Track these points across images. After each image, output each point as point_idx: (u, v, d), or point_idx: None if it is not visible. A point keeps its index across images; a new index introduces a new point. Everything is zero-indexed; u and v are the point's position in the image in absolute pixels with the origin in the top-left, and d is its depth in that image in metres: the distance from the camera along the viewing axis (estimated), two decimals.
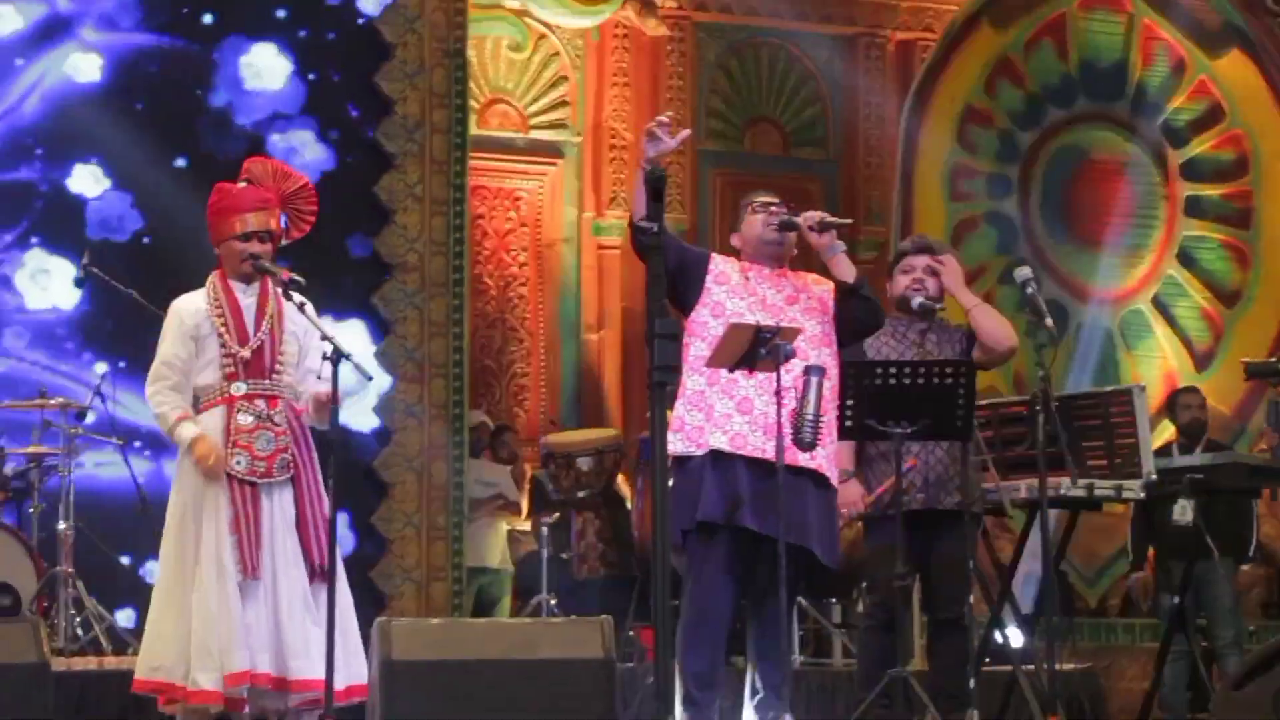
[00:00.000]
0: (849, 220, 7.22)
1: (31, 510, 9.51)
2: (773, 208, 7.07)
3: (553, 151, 13.42)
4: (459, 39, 11.12)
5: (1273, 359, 9.47)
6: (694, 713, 6.74)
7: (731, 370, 6.76)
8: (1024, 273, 7.68)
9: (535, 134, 13.36)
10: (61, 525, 9.29)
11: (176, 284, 6.95)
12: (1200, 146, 14.02)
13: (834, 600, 10.47)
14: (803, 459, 6.77)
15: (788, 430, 6.64)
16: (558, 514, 10.79)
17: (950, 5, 13.88)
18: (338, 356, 6.33)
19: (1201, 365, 13.74)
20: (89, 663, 8.54)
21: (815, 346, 6.88)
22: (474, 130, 11.80)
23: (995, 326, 7.61)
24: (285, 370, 6.69)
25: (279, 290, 6.70)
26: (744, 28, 13.91)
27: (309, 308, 6.64)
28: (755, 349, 6.63)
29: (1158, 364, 13.71)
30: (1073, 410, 8.26)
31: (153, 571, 6.76)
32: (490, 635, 7.02)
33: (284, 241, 6.84)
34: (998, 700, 8.51)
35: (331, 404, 6.38)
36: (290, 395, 6.70)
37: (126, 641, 8.97)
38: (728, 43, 13.89)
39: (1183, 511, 8.84)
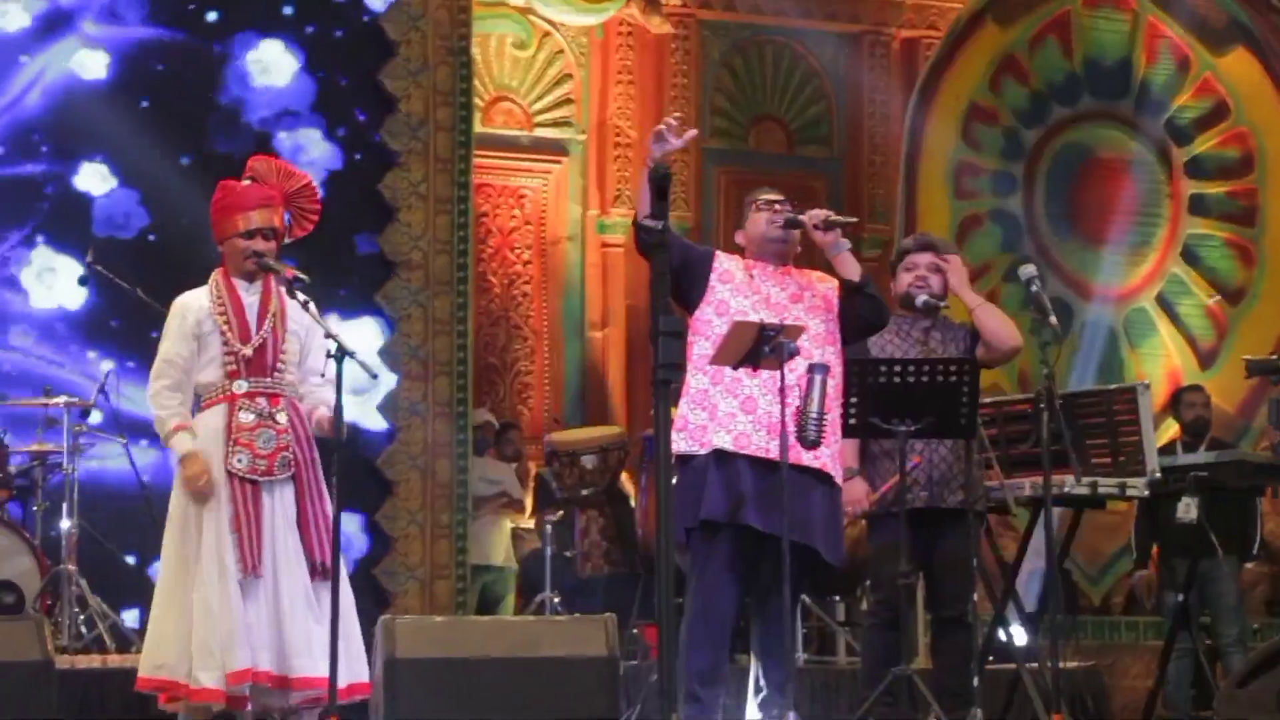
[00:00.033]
0: (854, 219, 7.21)
1: (35, 508, 9.51)
2: (777, 206, 7.07)
3: (557, 149, 13.43)
4: (463, 36, 11.11)
5: (1274, 357, 9.45)
6: (697, 710, 6.74)
7: (735, 368, 6.76)
8: (1028, 270, 7.67)
9: (539, 132, 13.36)
10: (65, 523, 9.29)
11: (183, 282, 6.94)
12: (1205, 144, 14.01)
13: (838, 598, 10.47)
14: (807, 458, 6.77)
15: (791, 429, 6.65)
16: (562, 512, 10.79)
17: (955, 3, 13.88)
18: (342, 354, 6.34)
19: (1206, 363, 13.74)
20: (93, 661, 8.54)
21: (819, 345, 6.88)
22: (478, 128, 11.79)
23: (999, 326, 7.61)
24: (287, 368, 6.69)
25: (282, 288, 6.70)
26: (748, 25, 13.91)
27: (312, 305, 6.64)
28: (759, 347, 6.63)
29: (1162, 362, 13.71)
30: (1077, 408, 8.26)
31: (158, 571, 6.75)
32: (494, 633, 7.04)
33: (287, 240, 6.84)
34: (1001, 698, 8.50)
35: (335, 402, 6.38)
36: (292, 393, 6.70)
37: (130, 640, 8.97)
38: (732, 40, 13.89)
39: (1186, 509, 8.84)
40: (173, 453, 6.65)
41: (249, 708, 6.50)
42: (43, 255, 10.30)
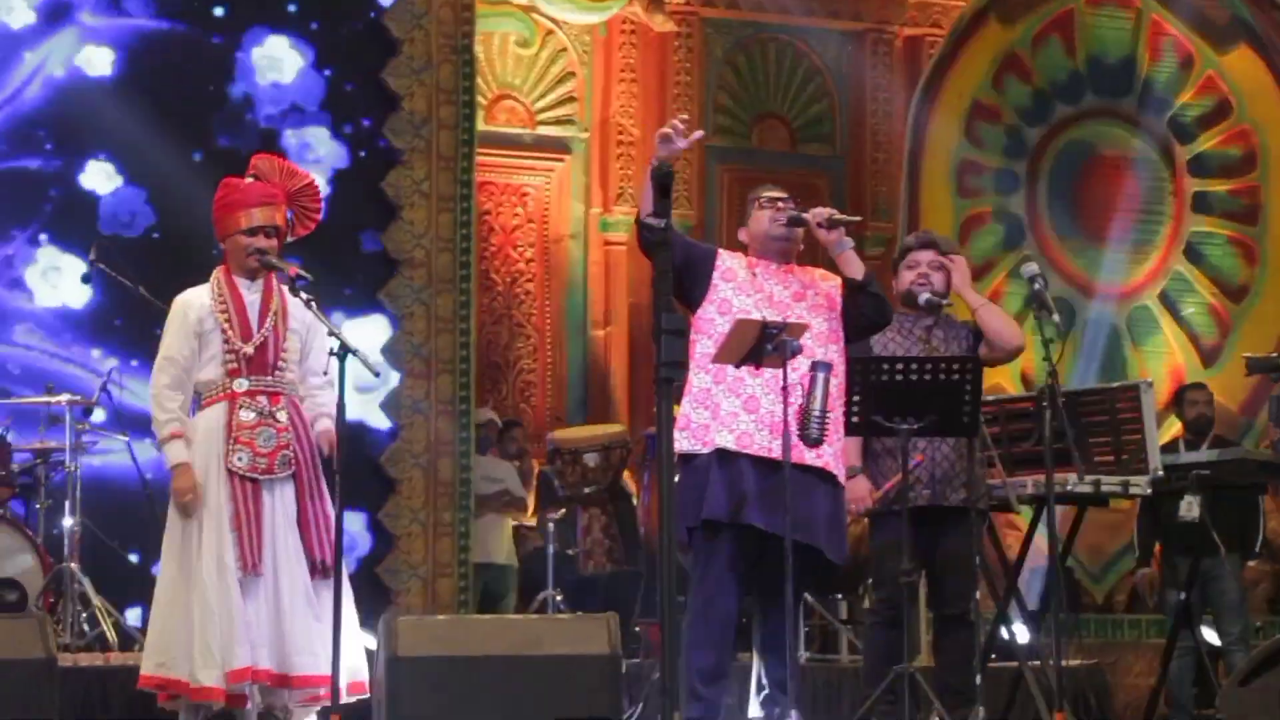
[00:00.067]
0: (857, 218, 7.23)
1: (38, 506, 9.51)
2: (780, 203, 7.07)
3: (560, 147, 13.43)
4: (466, 35, 11.11)
5: (1274, 354, 9.44)
6: (700, 709, 6.74)
7: (738, 366, 6.75)
8: (1031, 268, 7.68)
9: (542, 130, 13.36)
10: (68, 521, 9.29)
11: (188, 280, 6.93)
12: (1208, 142, 14.00)
13: (840, 596, 10.47)
14: (809, 457, 6.77)
15: (794, 427, 6.65)
16: (564, 510, 10.80)
17: (957, 1, 13.87)
18: (344, 352, 6.34)
19: (1208, 361, 13.73)
20: (95, 659, 8.54)
21: (822, 343, 6.88)
22: (481, 126, 11.79)
23: (1002, 326, 7.62)
24: (288, 367, 6.69)
25: (284, 286, 6.70)
26: (751, 23, 13.91)
27: (315, 303, 6.64)
28: (761, 345, 6.64)
29: (1165, 360, 13.70)
30: (1080, 406, 8.26)
31: (159, 568, 6.75)
32: (496, 631, 7.03)
33: (289, 238, 6.84)
34: (1004, 696, 8.51)
35: (338, 400, 6.38)
36: (292, 392, 6.69)
37: (133, 638, 8.97)
38: (735, 39, 13.89)
39: (1189, 507, 8.83)
40: (165, 456, 6.65)
41: (249, 706, 6.50)
42: (48, 254, 10.30)
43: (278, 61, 10.70)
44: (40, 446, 9.55)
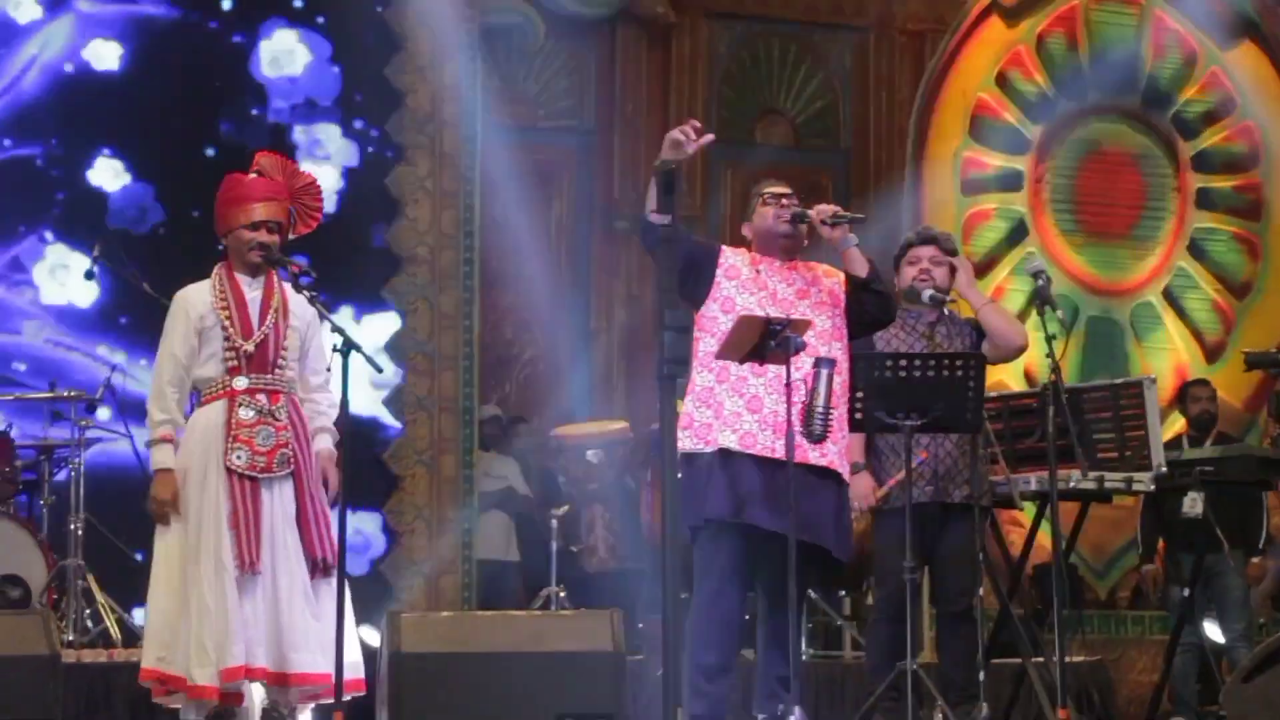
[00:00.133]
0: (861, 215, 7.21)
1: (42, 502, 9.51)
2: (784, 200, 7.07)
3: (564, 143, 13.41)
4: (471, 30, 11.11)
5: (1272, 349, 9.44)
6: (703, 705, 6.74)
7: (741, 363, 6.75)
8: (1035, 264, 7.68)
9: (546, 125, 13.34)
10: (72, 517, 9.29)
11: (198, 276, 6.91)
12: (1211, 138, 14.00)
13: (843, 593, 10.47)
14: (813, 456, 6.77)
15: (798, 425, 6.64)
16: (567, 506, 10.79)
17: None
18: (348, 348, 6.33)
19: (1212, 357, 13.73)
20: (99, 655, 8.54)
21: (825, 341, 6.88)
22: (485, 122, 11.78)
23: (1005, 325, 7.63)
24: (288, 365, 6.68)
25: (286, 283, 6.69)
26: (755, 19, 13.89)
27: (319, 300, 6.63)
28: (765, 342, 6.63)
29: (1168, 356, 13.69)
30: (1083, 402, 8.25)
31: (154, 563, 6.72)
32: (499, 627, 7.03)
33: (290, 236, 6.82)
34: (1007, 693, 8.51)
35: (341, 397, 6.39)
36: (292, 390, 6.69)
37: (136, 634, 8.96)
38: (739, 34, 13.87)
39: (1192, 504, 8.83)
40: (152, 456, 6.64)
41: (245, 704, 6.49)
42: (56, 251, 10.31)
43: (284, 56, 10.70)
44: (44, 443, 9.56)
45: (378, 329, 10.70)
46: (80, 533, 9.26)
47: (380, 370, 6.68)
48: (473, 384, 10.90)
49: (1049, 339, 7.36)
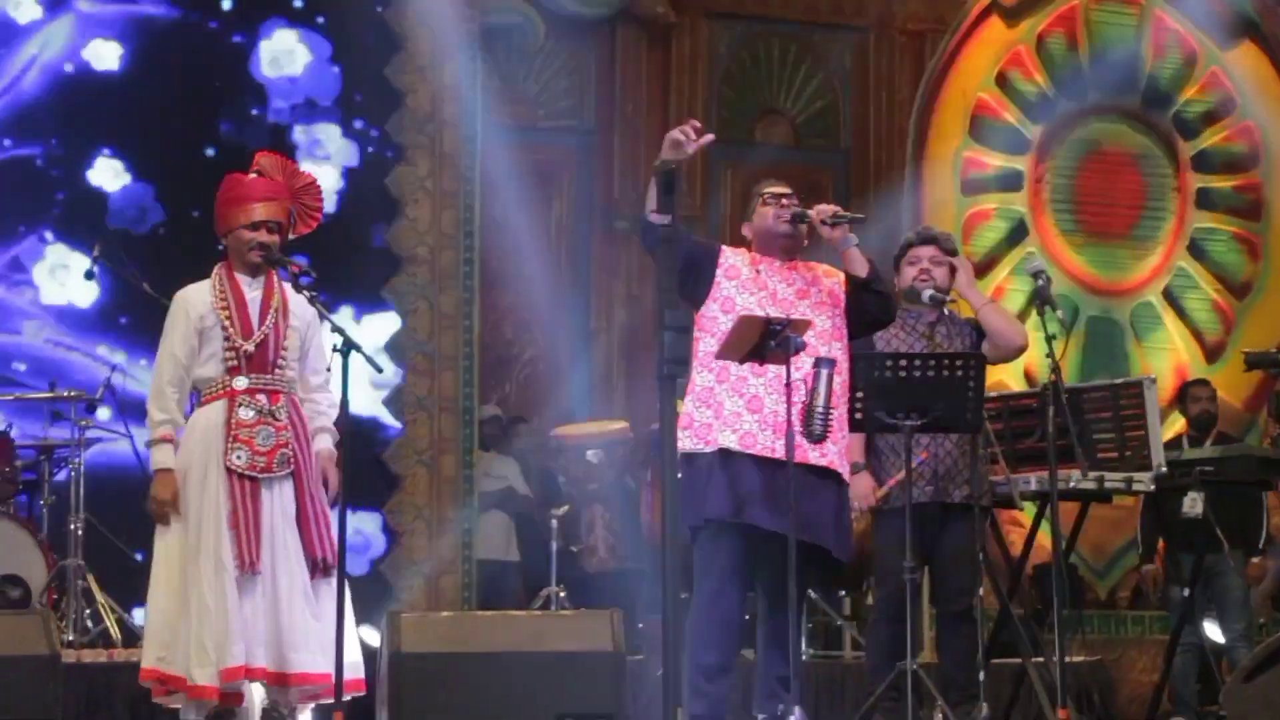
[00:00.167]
0: (861, 216, 7.20)
1: (42, 502, 9.51)
2: (784, 200, 7.06)
3: (563, 143, 13.40)
4: (470, 30, 11.11)
5: (1272, 349, 9.44)
6: (703, 705, 6.74)
7: (741, 363, 6.75)
8: (1035, 264, 7.68)
9: (546, 125, 13.34)
10: (72, 517, 9.29)
11: (198, 276, 6.90)
12: (1211, 138, 14.00)
13: (843, 593, 10.47)
14: (814, 456, 6.77)
15: (798, 425, 6.64)
16: (567, 506, 10.79)
17: None
18: (348, 348, 6.33)
19: (1212, 357, 13.73)
20: (99, 655, 8.54)
21: (825, 341, 6.88)
22: (485, 122, 11.79)
23: (1005, 325, 7.64)
24: (288, 365, 6.67)
25: (286, 283, 6.69)
26: (755, 19, 13.89)
27: (319, 300, 6.63)
28: (765, 341, 6.63)
29: (1168, 356, 13.69)
30: (1083, 402, 8.25)
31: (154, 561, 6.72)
32: (499, 627, 7.03)
33: (290, 236, 6.82)
34: (1007, 693, 8.50)
35: (342, 397, 6.39)
36: (292, 390, 6.68)
37: (137, 634, 8.95)
38: (739, 34, 13.87)
39: (1192, 504, 8.82)
40: (152, 455, 6.63)
41: (245, 704, 6.49)
42: (56, 251, 10.31)
43: (284, 55, 10.70)
44: (44, 443, 9.56)
45: (378, 329, 10.71)
46: (80, 533, 9.26)
47: (380, 370, 6.68)
48: (473, 384, 10.91)
49: (1049, 339, 7.36)
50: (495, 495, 11.53)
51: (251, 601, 6.45)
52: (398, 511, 10.67)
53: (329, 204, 10.41)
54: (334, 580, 6.45)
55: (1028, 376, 12.28)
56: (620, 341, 13.27)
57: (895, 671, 7.14)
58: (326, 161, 10.69)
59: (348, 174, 10.76)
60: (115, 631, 9.02)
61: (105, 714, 7.84)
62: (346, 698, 6.38)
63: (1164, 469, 8.19)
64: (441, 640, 6.79)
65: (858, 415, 7.11)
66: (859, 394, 7.09)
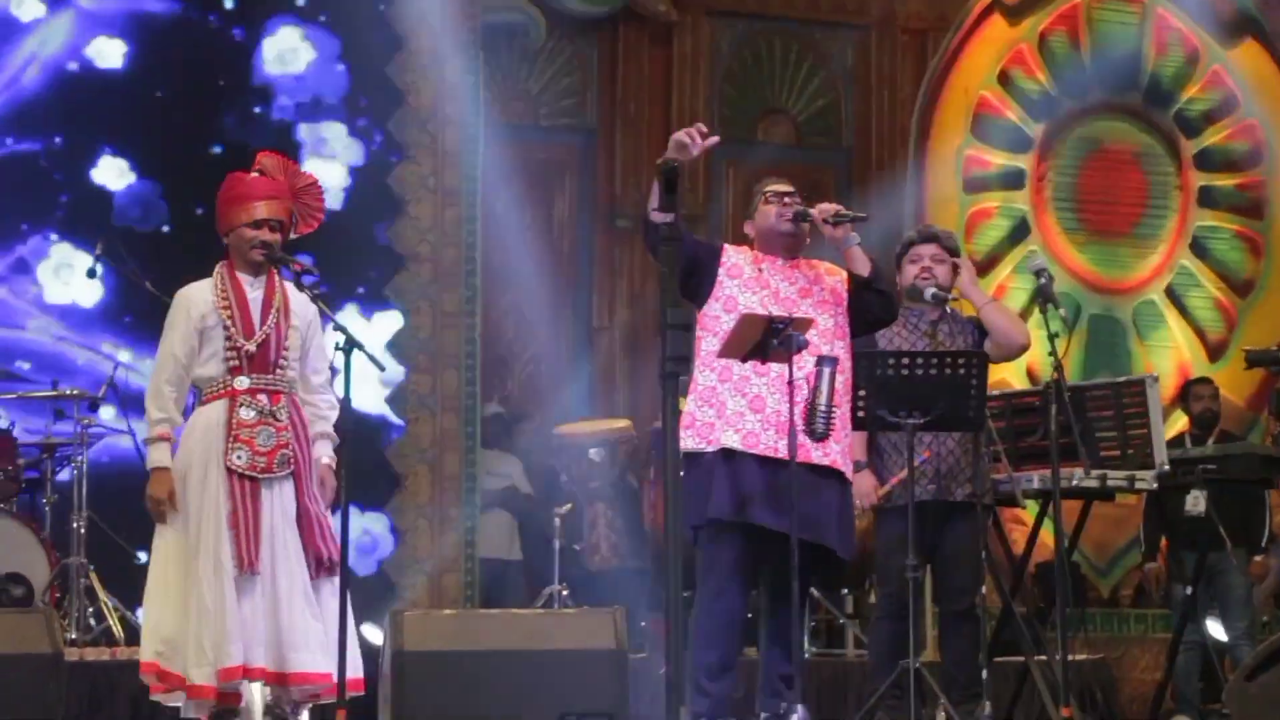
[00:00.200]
0: (864, 215, 7.19)
1: (45, 500, 9.51)
2: (786, 198, 7.06)
3: (565, 141, 13.40)
4: (473, 29, 11.11)
5: (1272, 347, 9.44)
6: (706, 704, 6.74)
7: (744, 361, 6.75)
8: (1037, 263, 7.67)
9: (548, 123, 13.34)
10: (75, 515, 9.29)
11: (200, 275, 6.90)
12: (1214, 137, 14.00)
13: (846, 591, 10.47)
14: (816, 455, 6.77)
15: (800, 424, 6.64)
16: (570, 504, 10.79)
17: None
18: (350, 346, 6.33)
19: (1214, 356, 13.73)
20: (101, 654, 8.54)
21: (828, 340, 6.88)
22: (487, 120, 11.79)
23: (1007, 324, 7.64)
24: (289, 365, 6.67)
25: (288, 282, 6.69)
26: (757, 17, 13.89)
27: (321, 299, 6.62)
28: (767, 340, 6.63)
29: (1171, 354, 13.69)
30: (1085, 400, 8.25)
31: (152, 558, 6.71)
32: (502, 626, 7.03)
33: (292, 235, 6.81)
34: (1010, 691, 8.50)
35: (344, 396, 6.39)
36: (292, 390, 6.68)
37: (139, 633, 8.94)
38: (741, 32, 13.86)
39: (1195, 502, 8.83)
40: (148, 454, 6.63)
41: (242, 703, 6.48)
42: (61, 251, 10.31)
43: (287, 53, 10.71)
44: (47, 441, 9.56)
45: (380, 327, 10.70)
46: (83, 531, 9.27)
47: (383, 369, 6.69)
48: (475, 382, 10.91)
49: (1051, 337, 7.36)
50: (498, 494, 11.53)
51: (251, 601, 6.45)
52: (400, 510, 10.67)
53: (336, 202, 10.47)
54: (337, 579, 6.45)
55: (1030, 375, 12.27)
56: (622, 340, 13.27)
57: (898, 670, 7.13)
58: (333, 159, 10.70)
59: (354, 172, 10.77)
60: (118, 630, 9.01)
61: (108, 712, 7.85)
62: (349, 695, 6.39)
63: (1166, 467, 8.19)
64: (444, 638, 6.80)
65: (860, 414, 7.11)
66: (861, 392, 7.09)
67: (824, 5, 13.87)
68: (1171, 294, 13.86)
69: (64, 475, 9.54)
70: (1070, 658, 7.46)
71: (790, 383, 6.61)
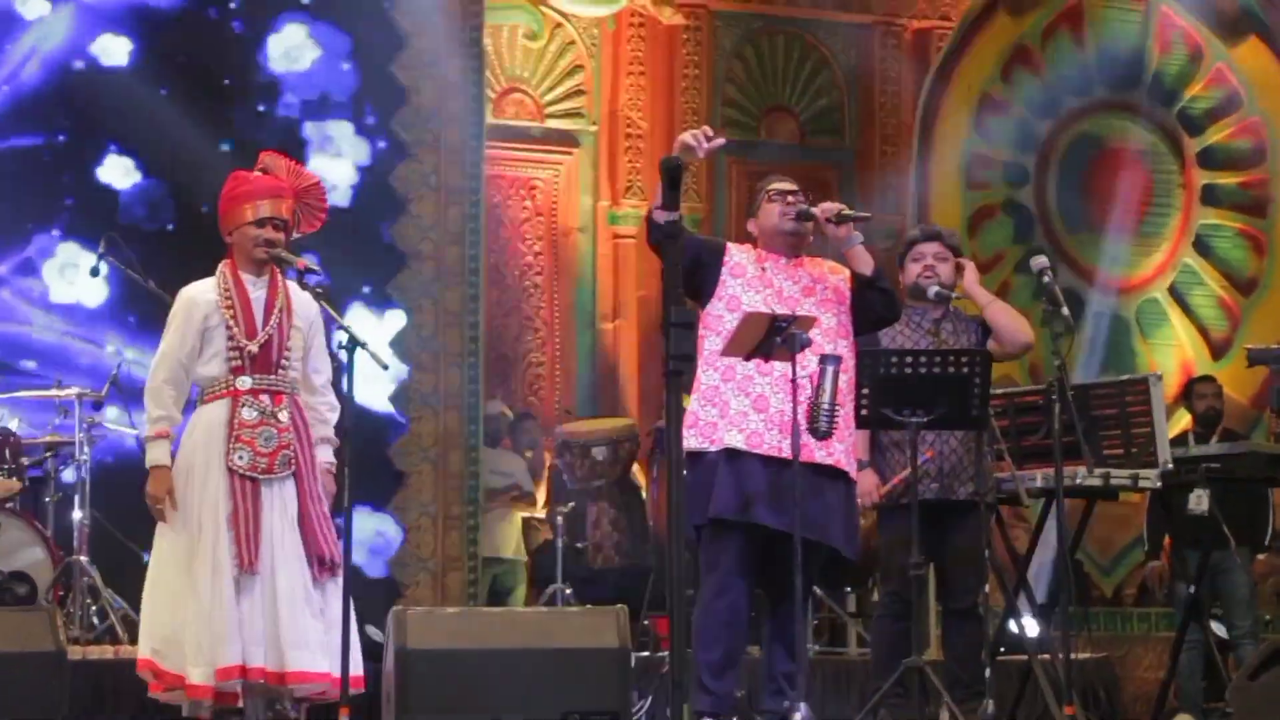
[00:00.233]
0: (867, 214, 7.19)
1: (48, 499, 9.51)
2: (789, 197, 7.06)
3: (568, 140, 13.41)
4: (475, 28, 11.11)
5: (1273, 345, 9.43)
6: (709, 702, 6.74)
7: (747, 359, 6.75)
8: (1040, 261, 7.67)
9: (551, 123, 13.34)
10: (77, 514, 9.30)
11: (207, 274, 6.89)
12: (1217, 135, 13.99)
13: (849, 589, 10.47)
14: (820, 455, 6.76)
15: (803, 423, 6.64)
16: (573, 503, 10.80)
17: None
18: (353, 345, 6.32)
19: (1218, 354, 13.72)
20: (105, 652, 8.54)
21: (831, 339, 6.88)
22: (490, 119, 11.79)
23: (1011, 322, 7.64)
24: (291, 365, 6.66)
25: (290, 282, 6.68)
26: (760, 16, 13.89)
27: (325, 298, 6.62)
28: (770, 338, 6.63)
29: (1174, 353, 13.68)
30: (1089, 399, 8.25)
31: (152, 555, 6.72)
32: (506, 624, 7.03)
33: (295, 234, 6.81)
34: (1013, 690, 8.50)
35: (346, 393, 6.39)
36: (294, 390, 6.67)
37: None
38: (744, 31, 13.87)
39: (1198, 501, 8.82)
40: (147, 453, 6.63)
41: (240, 703, 6.48)
42: (67, 250, 10.30)
43: (292, 51, 10.70)
44: (50, 440, 9.56)
45: (383, 326, 10.69)
46: (86, 529, 9.27)
47: (386, 367, 6.68)
48: (478, 380, 10.91)
49: (1055, 336, 7.35)
50: (501, 493, 11.53)
51: (250, 600, 6.44)
52: (403, 509, 10.67)
53: (343, 199, 10.47)
54: (339, 579, 6.45)
55: (1033, 373, 12.27)
56: (626, 338, 13.28)
57: (901, 668, 7.13)
58: (339, 158, 10.70)
59: (361, 170, 10.77)
60: (121, 628, 9.02)
61: (111, 711, 7.84)
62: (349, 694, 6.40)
63: (1170, 466, 8.19)
64: (447, 636, 6.79)
65: (863, 412, 7.11)
66: (864, 391, 7.08)
67: (827, 3, 13.88)
68: (1175, 292, 13.85)
69: (67, 474, 9.53)
70: (1073, 656, 7.46)
71: (793, 382, 6.61)
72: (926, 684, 7.13)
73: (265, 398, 6.58)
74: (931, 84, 13.46)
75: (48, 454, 9.56)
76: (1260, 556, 10.43)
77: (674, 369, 5.26)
